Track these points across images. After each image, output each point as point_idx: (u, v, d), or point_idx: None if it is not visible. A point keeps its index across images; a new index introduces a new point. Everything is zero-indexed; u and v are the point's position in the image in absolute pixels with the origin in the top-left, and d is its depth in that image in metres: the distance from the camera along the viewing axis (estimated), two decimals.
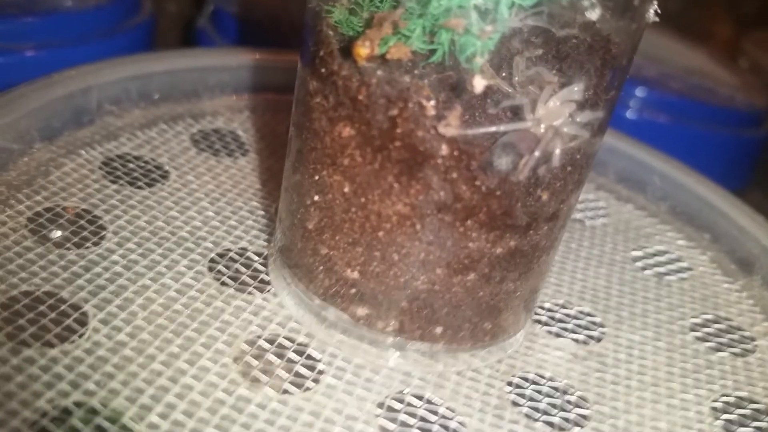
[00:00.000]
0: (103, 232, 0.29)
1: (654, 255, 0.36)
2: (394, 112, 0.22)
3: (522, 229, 0.24)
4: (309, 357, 0.26)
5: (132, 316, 0.25)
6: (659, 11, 0.23)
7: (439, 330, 0.25)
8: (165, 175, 0.34)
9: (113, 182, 0.32)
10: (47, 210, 0.29)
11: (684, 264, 0.36)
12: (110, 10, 0.54)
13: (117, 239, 0.29)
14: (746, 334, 0.32)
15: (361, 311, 0.26)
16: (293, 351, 0.26)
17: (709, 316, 0.33)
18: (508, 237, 0.24)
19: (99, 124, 0.36)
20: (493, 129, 0.22)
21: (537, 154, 0.22)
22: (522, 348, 0.29)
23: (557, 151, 0.23)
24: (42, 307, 0.25)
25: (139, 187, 0.32)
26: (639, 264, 0.36)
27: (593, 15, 0.21)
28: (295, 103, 0.26)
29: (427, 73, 0.22)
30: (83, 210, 0.30)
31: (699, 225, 0.39)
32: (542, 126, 0.22)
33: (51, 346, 0.23)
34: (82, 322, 0.25)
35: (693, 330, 0.32)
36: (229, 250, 0.30)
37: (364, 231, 0.24)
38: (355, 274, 0.25)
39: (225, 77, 0.42)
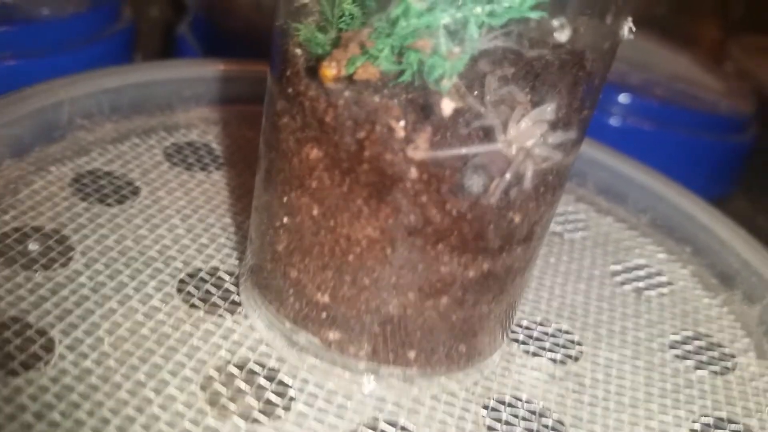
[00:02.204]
0: (71, 253, 0.28)
1: (633, 269, 0.36)
2: (362, 134, 0.21)
3: (495, 252, 0.23)
4: (280, 383, 0.25)
5: (98, 341, 0.25)
6: (634, 28, 0.22)
7: (412, 354, 0.25)
8: (135, 192, 0.33)
9: (83, 200, 0.31)
10: (15, 230, 0.29)
11: (664, 278, 0.36)
12: (89, 18, 0.54)
13: (85, 260, 0.28)
14: (726, 351, 0.32)
15: (333, 335, 0.25)
16: (263, 377, 0.25)
17: (689, 333, 0.32)
18: (481, 260, 0.23)
19: (70, 139, 0.35)
20: (463, 151, 0.21)
21: (508, 176, 0.22)
22: (498, 369, 0.28)
23: (529, 173, 0.22)
24: (7, 333, 0.24)
25: (109, 205, 0.32)
26: (618, 279, 0.35)
27: (563, 36, 0.20)
28: (264, 121, 0.26)
29: (396, 94, 0.22)
30: (51, 230, 0.29)
31: (680, 237, 0.38)
32: (513, 147, 0.22)
33: (15, 374, 0.23)
34: (48, 348, 0.24)
35: (672, 347, 0.31)
36: (200, 269, 0.29)
37: (333, 254, 0.23)
38: (326, 298, 0.24)
39: (200, 89, 0.41)
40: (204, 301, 0.28)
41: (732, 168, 0.65)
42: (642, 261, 0.37)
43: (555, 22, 0.20)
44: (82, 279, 0.27)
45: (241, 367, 0.25)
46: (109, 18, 0.55)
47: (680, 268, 0.37)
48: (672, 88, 0.66)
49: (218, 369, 0.25)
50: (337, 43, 0.22)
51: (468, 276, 0.24)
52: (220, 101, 0.41)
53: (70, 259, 0.28)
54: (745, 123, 0.65)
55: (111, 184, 0.33)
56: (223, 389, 0.24)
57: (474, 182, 0.22)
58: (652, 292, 0.35)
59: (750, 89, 0.68)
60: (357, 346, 0.25)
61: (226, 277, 0.29)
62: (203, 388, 0.24)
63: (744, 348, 0.32)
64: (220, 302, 0.28)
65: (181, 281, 0.29)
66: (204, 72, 0.41)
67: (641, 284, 0.35)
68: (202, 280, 0.29)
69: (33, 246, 0.28)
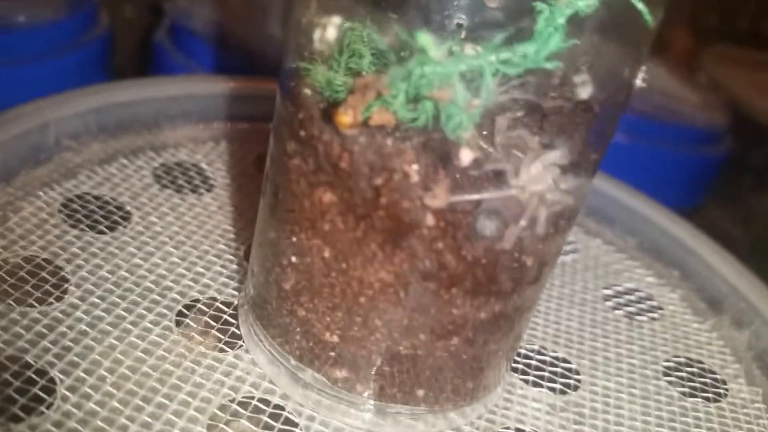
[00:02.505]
0: (66, 285, 0.28)
1: (624, 293, 0.36)
2: (379, 181, 0.21)
3: (507, 294, 0.24)
4: (286, 421, 0.25)
5: (101, 381, 0.24)
6: (647, 76, 0.22)
7: (421, 393, 0.25)
8: (127, 217, 0.32)
9: (73, 227, 0.31)
10: (5, 262, 0.28)
11: (654, 303, 0.36)
12: (66, 25, 0.52)
13: (80, 293, 0.28)
14: (718, 377, 0.32)
15: (340, 374, 0.25)
16: (269, 416, 0.25)
17: (681, 359, 0.33)
18: (493, 302, 0.23)
19: (57, 161, 0.34)
20: (479, 197, 0.21)
21: (523, 222, 0.22)
22: (501, 401, 0.28)
23: (542, 218, 0.22)
24: (6, 375, 0.23)
25: (101, 232, 0.31)
26: (610, 303, 0.36)
27: (584, 93, 0.20)
28: (271, 159, 0.25)
29: (412, 140, 0.21)
30: (44, 260, 0.28)
31: (668, 261, 0.39)
32: (527, 193, 0.22)
33: (18, 420, 0.22)
34: (50, 390, 0.23)
35: (666, 375, 0.32)
36: (197, 300, 0.29)
37: (345, 296, 0.23)
38: (335, 338, 0.24)
39: (188, 106, 0.40)
40: (204, 334, 0.27)
41: (706, 179, 0.66)
42: (632, 285, 0.37)
43: (577, 79, 0.20)
44: (79, 313, 0.27)
45: (245, 406, 0.25)
46: (86, 24, 0.54)
47: (669, 293, 0.37)
48: (646, 101, 0.67)
49: (223, 408, 0.25)
50: (351, 89, 0.22)
51: (479, 318, 0.24)
52: (208, 119, 0.41)
53: (65, 291, 0.27)
54: (720, 135, 0.66)
55: (101, 210, 0.32)
56: (230, 431, 0.24)
57: (489, 228, 0.22)
58: (643, 317, 0.35)
59: (723, 101, 0.69)
60: (365, 385, 0.25)
61: (224, 308, 0.29)
62: (210, 429, 0.24)
63: (734, 374, 0.33)
64: (219, 335, 0.28)
65: (179, 313, 0.28)
66: (191, 89, 0.41)
67: (632, 309, 0.35)
68: (201, 312, 0.28)
69: (24, 280, 0.27)
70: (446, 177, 0.21)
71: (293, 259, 0.24)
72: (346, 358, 0.24)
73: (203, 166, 0.38)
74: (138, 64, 0.68)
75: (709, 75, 0.77)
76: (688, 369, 0.33)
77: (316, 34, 0.22)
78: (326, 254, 0.23)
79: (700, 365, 0.33)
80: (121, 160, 0.36)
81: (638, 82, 0.22)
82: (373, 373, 0.24)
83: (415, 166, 0.21)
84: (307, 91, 0.23)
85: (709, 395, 0.31)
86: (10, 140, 0.32)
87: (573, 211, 0.24)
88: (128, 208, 0.33)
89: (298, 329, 0.25)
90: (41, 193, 0.32)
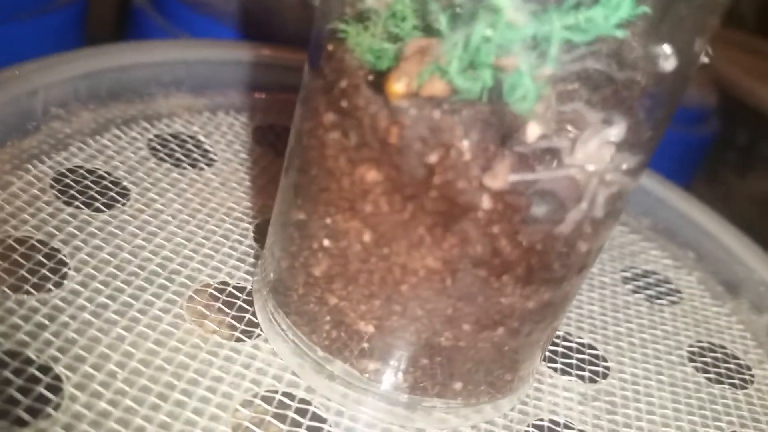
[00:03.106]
0: (64, 269, 0.25)
1: (642, 276, 0.35)
2: (433, 159, 0.19)
3: (557, 281, 0.22)
4: (314, 416, 0.23)
5: (111, 377, 0.22)
6: (710, 52, 0.21)
7: (458, 386, 0.23)
8: (124, 193, 0.30)
9: (68, 204, 0.28)
10: None
11: (672, 286, 0.35)
12: None
13: (80, 277, 0.25)
14: (741, 362, 0.32)
15: (372, 366, 0.23)
16: (295, 411, 0.23)
17: (704, 344, 0.32)
18: (543, 290, 0.22)
19: (45, 131, 0.31)
20: (541, 176, 0.20)
21: (584, 205, 0.20)
22: (532, 391, 0.27)
23: (601, 200, 0.21)
24: (6, 372, 0.21)
25: (98, 210, 0.28)
26: (629, 287, 0.34)
27: (668, 65, 0.19)
28: (298, 135, 0.23)
29: (467, 110, 0.19)
30: (38, 241, 0.26)
31: (681, 242, 0.38)
32: (586, 172, 0.20)
33: (24, 424, 0.20)
34: (56, 388, 0.21)
35: (691, 360, 0.31)
36: (208, 285, 0.27)
37: (384, 283, 0.21)
38: (370, 328, 0.22)
39: (180, 73, 0.37)
40: (218, 322, 0.25)
41: (694, 159, 0.66)
42: (649, 267, 0.36)
43: (660, 50, 0.18)
44: (82, 301, 0.24)
45: (269, 401, 0.23)
46: None
47: (686, 275, 0.36)
48: None
49: (246, 404, 0.23)
50: (403, 55, 0.19)
51: (527, 307, 0.22)
52: (204, 87, 0.38)
53: (64, 276, 0.25)
54: (706, 115, 0.65)
55: (96, 185, 0.30)
56: (257, 430, 0.22)
57: (548, 211, 0.20)
58: (663, 301, 0.34)
59: (711, 80, 0.68)
60: (399, 378, 0.23)
61: (237, 294, 0.27)
62: (234, 428, 0.22)
63: (758, 359, 0.32)
64: (235, 323, 0.25)
65: (190, 299, 0.26)
66: (185, 54, 0.38)
67: (651, 292, 0.34)
68: (213, 297, 0.26)
69: (18, 264, 0.25)
70: (508, 154, 0.19)
71: (326, 242, 0.22)
72: (380, 349, 0.23)
73: (201, 138, 0.35)
74: (114, 29, 0.64)
75: None
76: (712, 354, 0.32)
77: None
78: (366, 238, 0.21)
79: (723, 350, 0.32)
80: (113, 130, 0.33)
81: (703, 58, 0.20)
82: (408, 365, 0.23)
83: (471, 142, 0.19)
84: (349, 57, 0.20)
85: (735, 381, 0.30)
86: None
87: (629, 192, 0.22)
88: (125, 183, 0.30)
89: (328, 318, 0.23)
90: (30, 167, 0.29)
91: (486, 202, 0.19)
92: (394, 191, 0.20)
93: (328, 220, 0.22)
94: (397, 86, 0.19)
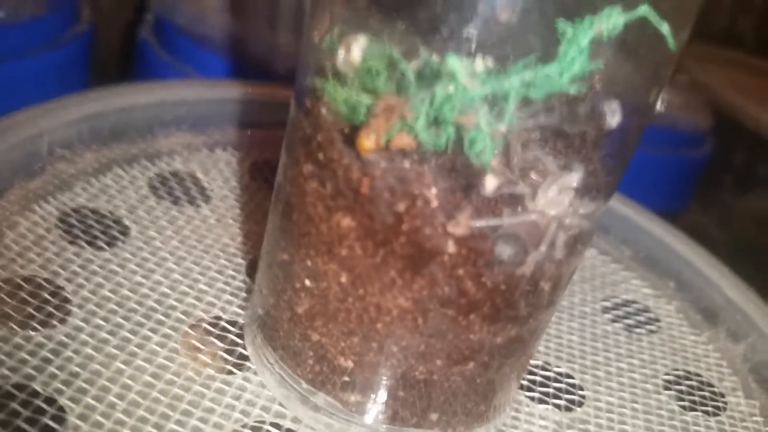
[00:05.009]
0: (68, 306, 0.27)
1: (622, 305, 0.37)
2: (401, 207, 0.21)
3: (523, 318, 0.23)
4: None
5: (111, 408, 0.24)
6: (666, 98, 0.22)
7: (435, 416, 0.25)
8: (125, 232, 0.32)
9: (72, 243, 0.30)
10: (6, 281, 0.27)
11: (651, 315, 0.37)
12: (48, 21, 0.51)
13: (83, 314, 0.27)
14: (716, 390, 0.33)
15: (353, 398, 0.25)
16: None
17: (680, 372, 0.33)
18: (509, 327, 0.23)
19: (51, 172, 0.33)
20: (500, 223, 0.21)
21: (543, 248, 0.22)
22: (509, 419, 0.28)
23: (560, 242, 0.22)
24: (14, 404, 0.23)
25: (100, 248, 0.30)
26: (608, 316, 0.36)
27: (614, 121, 0.20)
28: (284, 178, 0.25)
29: (431, 162, 0.21)
30: (44, 280, 0.28)
31: (662, 272, 0.39)
32: (545, 216, 0.22)
33: None
34: (60, 419, 0.23)
35: (666, 388, 0.32)
36: (202, 320, 0.28)
37: (361, 322, 0.23)
38: (349, 363, 0.24)
39: (181, 112, 0.39)
40: (211, 356, 0.27)
41: (689, 182, 0.67)
42: (629, 297, 0.37)
43: (606, 107, 0.20)
44: (84, 336, 0.26)
45: (258, 430, 0.25)
46: (69, 19, 0.53)
47: (665, 304, 0.37)
48: None
49: None
50: (372, 111, 0.21)
51: (496, 342, 0.23)
52: (200, 125, 0.40)
53: (68, 313, 0.27)
54: (702, 138, 0.67)
55: (99, 224, 0.31)
56: None
57: (509, 254, 0.22)
58: (642, 330, 0.35)
59: (705, 102, 0.70)
60: (378, 409, 0.25)
61: (230, 328, 0.29)
62: None
63: (732, 386, 0.33)
64: (227, 357, 0.27)
65: (185, 334, 0.28)
66: (185, 94, 0.40)
67: (631, 321, 0.36)
68: (206, 331, 0.28)
69: (25, 302, 0.27)
70: (469, 204, 0.21)
71: (307, 282, 0.24)
72: (359, 382, 0.24)
73: (199, 175, 0.37)
74: (120, 62, 0.66)
75: (690, 75, 0.78)
76: (687, 382, 0.33)
77: (339, 55, 0.21)
78: (343, 279, 0.23)
79: (699, 378, 0.33)
80: (115, 170, 0.35)
81: (658, 106, 0.22)
82: (386, 397, 0.24)
83: (435, 191, 0.21)
84: (326, 112, 0.22)
85: (709, 409, 0.32)
86: (3, 151, 0.31)
87: (589, 234, 0.24)
88: (126, 222, 0.32)
89: (310, 353, 0.25)
90: (37, 207, 0.31)
91: (450, 247, 0.21)
92: (367, 237, 0.22)
93: (309, 262, 0.23)
94: (366, 142, 0.21)
